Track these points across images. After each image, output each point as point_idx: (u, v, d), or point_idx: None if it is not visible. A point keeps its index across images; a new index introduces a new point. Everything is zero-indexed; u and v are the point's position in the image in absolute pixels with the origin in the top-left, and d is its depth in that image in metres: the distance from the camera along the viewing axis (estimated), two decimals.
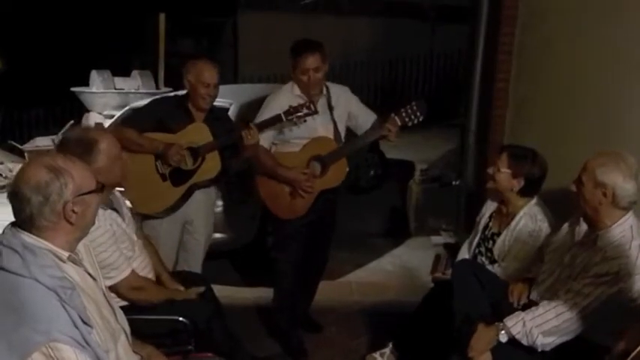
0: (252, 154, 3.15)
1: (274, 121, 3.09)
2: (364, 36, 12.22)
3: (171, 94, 3.59)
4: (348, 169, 3.32)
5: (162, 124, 3.12)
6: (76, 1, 10.52)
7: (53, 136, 8.94)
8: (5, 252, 1.58)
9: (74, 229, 1.66)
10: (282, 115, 3.06)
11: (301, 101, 3.20)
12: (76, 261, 1.69)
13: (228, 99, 4.84)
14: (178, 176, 3.14)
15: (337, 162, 3.24)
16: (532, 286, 2.44)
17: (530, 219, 2.68)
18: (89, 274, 1.73)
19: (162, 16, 9.27)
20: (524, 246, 2.65)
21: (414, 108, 3.17)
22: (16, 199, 1.60)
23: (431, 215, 6.19)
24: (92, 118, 8.65)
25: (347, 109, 3.33)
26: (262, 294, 4.17)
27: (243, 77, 11.88)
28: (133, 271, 2.29)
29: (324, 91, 3.25)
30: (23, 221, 1.61)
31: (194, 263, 3.37)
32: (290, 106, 3.07)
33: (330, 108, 3.26)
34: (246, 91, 5.47)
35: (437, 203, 6.16)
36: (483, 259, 2.83)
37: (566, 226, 2.43)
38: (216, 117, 3.28)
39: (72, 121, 9.13)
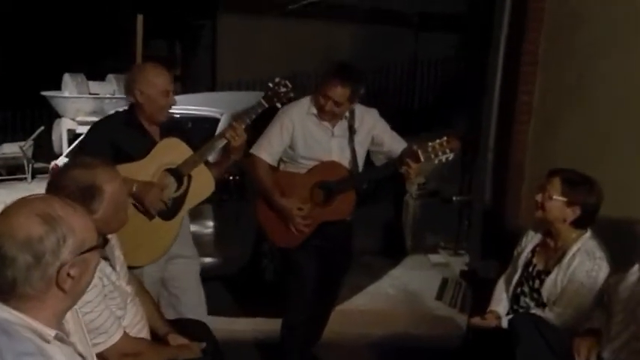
0: (240, 157, 2.77)
1: (255, 111, 2.69)
2: (347, 42, 11.94)
3: (113, 111, 3.03)
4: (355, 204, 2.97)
5: (119, 151, 2.56)
6: (49, 1, 9.97)
7: (21, 143, 8.45)
8: None
9: (65, 298, 1.26)
10: (263, 101, 2.71)
11: (315, 120, 2.91)
12: (63, 339, 1.28)
13: (219, 108, 4.44)
14: (166, 207, 2.62)
15: (345, 193, 2.89)
16: (600, 340, 2.10)
17: (586, 256, 2.34)
18: (79, 355, 1.31)
19: (140, 18, 8.80)
20: (581, 288, 2.30)
21: (444, 144, 2.74)
22: None
23: (428, 232, 5.90)
24: (64, 125, 8.19)
25: (370, 133, 2.99)
26: (262, 326, 3.81)
27: (222, 83, 11.45)
28: (124, 334, 1.87)
29: (347, 113, 2.92)
30: None
31: (197, 304, 2.92)
32: (268, 89, 2.73)
33: (352, 131, 2.93)
34: (239, 100, 5.04)
35: (435, 219, 5.88)
36: (527, 300, 2.49)
37: (636, 269, 2.10)
38: (170, 128, 2.75)
39: (42, 128, 8.66)
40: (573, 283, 2.33)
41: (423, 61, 12.16)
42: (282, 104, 2.84)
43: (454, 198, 5.75)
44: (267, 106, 2.71)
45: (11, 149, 8.32)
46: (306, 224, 2.87)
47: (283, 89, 2.70)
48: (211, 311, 3.99)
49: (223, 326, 3.78)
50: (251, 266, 4.19)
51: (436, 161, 2.78)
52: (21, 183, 8.13)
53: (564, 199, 2.37)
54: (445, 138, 2.76)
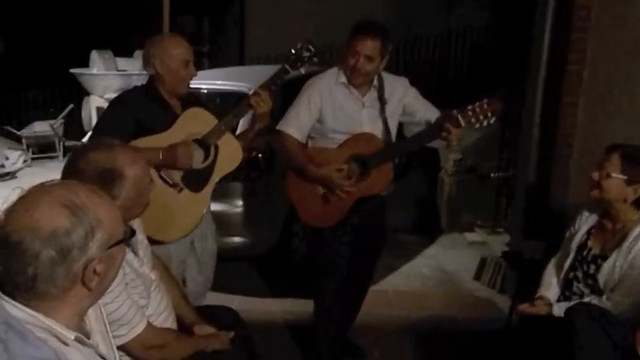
0: (266, 123, 2.71)
1: (279, 77, 2.59)
2: (379, 14, 11.60)
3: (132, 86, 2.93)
4: (393, 176, 2.79)
5: (141, 126, 2.47)
6: None
7: (52, 121, 8.46)
8: None
9: (89, 296, 1.14)
10: (287, 66, 2.59)
11: (345, 90, 2.72)
12: (83, 341, 1.15)
13: (247, 82, 4.28)
14: (194, 179, 2.54)
15: (381, 166, 2.71)
16: None
17: None
18: (101, 357, 1.19)
19: None
20: None
21: (485, 107, 2.58)
22: (12, 252, 1.04)
23: (464, 210, 5.70)
24: (93, 103, 8.15)
25: (402, 102, 2.80)
26: (291, 307, 3.69)
27: (250, 58, 11.27)
28: (148, 325, 1.74)
29: (375, 82, 2.74)
30: (15, 285, 1.06)
31: (205, 285, 2.86)
32: (291, 54, 2.61)
33: (382, 102, 2.74)
34: (268, 73, 4.86)
35: (471, 197, 5.67)
36: (581, 286, 2.29)
37: None
38: (191, 101, 2.67)
39: (71, 105, 8.64)
40: (635, 270, 2.12)
41: (457, 32, 11.77)
42: (307, 72, 2.73)
43: (492, 174, 5.52)
44: (291, 71, 2.59)
45: (42, 127, 8.34)
46: (348, 186, 2.67)
47: (307, 53, 2.58)
48: (241, 291, 3.93)
49: (248, 306, 3.70)
50: (281, 246, 4.07)
51: (477, 125, 2.61)
52: (52, 161, 8.16)
53: (624, 177, 2.16)
54: (485, 100, 2.59)
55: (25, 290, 1.06)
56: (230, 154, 2.60)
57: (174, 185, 2.49)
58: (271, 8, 11.30)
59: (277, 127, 2.76)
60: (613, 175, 2.18)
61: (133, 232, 1.20)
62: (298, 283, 3.80)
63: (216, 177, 2.59)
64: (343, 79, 2.70)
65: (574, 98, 3.17)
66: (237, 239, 3.86)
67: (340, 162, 2.71)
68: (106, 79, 7.99)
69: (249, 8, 12.09)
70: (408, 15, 11.20)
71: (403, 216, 5.57)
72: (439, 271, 4.54)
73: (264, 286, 4.03)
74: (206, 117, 2.57)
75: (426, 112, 2.80)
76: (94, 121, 8.11)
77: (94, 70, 8.11)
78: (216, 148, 2.55)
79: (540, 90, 3.28)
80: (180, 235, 2.52)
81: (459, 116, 2.59)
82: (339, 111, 2.72)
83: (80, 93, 8.81)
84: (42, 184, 1.12)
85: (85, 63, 8.36)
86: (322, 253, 2.87)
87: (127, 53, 8.43)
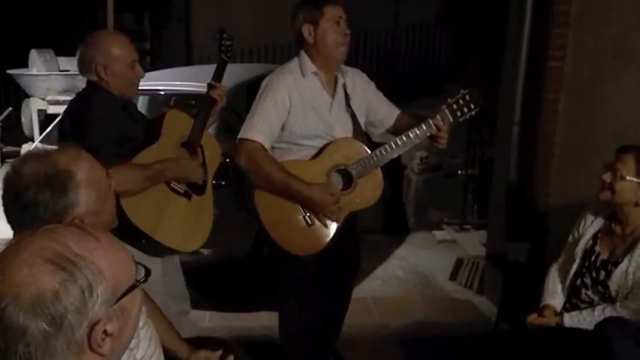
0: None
1: (223, 68, 2.47)
2: None
3: (75, 95, 2.45)
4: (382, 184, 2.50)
5: (128, 140, 2.21)
6: None
7: None
8: None
9: None
10: (224, 57, 2.45)
11: (316, 81, 2.42)
12: None
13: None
14: (195, 183, 2.41)
15: (369, 174, 2.43)
16: None
17: None
18: None
19: None
20: None
21: (467, 98, 2.44)
22: None
23: (431, 208, 5.64)
24: (34, 105, 7.65)
25: (365, 99, 2.54)
26: (268, 321, 3.48)
27: (199, 57, 10.87)
28: None
29: (339, 70, 2.47)
30: None
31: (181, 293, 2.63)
32: (221, 44, 2.44)
33: (347, 96, 2.46)
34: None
35: (438, 195, 5.61)
36: (590, 293, 2.20)
37: None
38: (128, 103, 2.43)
39: (10, 109, 8.08)
40: None
41: (407, 26, 11.77)
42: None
43: (459, 172, 5.49)
44: (228, 61, 2.47)
45: None
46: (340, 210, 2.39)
47: (229, 42, 2.46)
48: (212, 306, 3.71)
49: (227, 323, 3.49)
50: (252, 255, 3.86)
51: (461, 119, 2.47)
52: None
53: (638, 180, 2.09)
54: (465, 91, 2.46)
55: None
56: (213, 151, 2.50)
57: (185, 194, 2.34)
58: (218, 3, 10.96)
59: (240, 137, 2.39)
60: (628, 177, 2.11)
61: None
62: (272, 293, 3.62)
63: (210, 175, 2.49)
64: (313, 68, 2.37)
65: (555, 95, 3.10)
66: (206, 251, 3.63)
67: (322, 175, 2.39)
68: (47, 79, 7.50)
69: (195, 3, 11.69)
70: (355, 8, 11.09)
71: (371, 216, 5.46)
72: (413, 272, 4.45)
73: (237, 300, 3.81)
74: (184, 118, 2.41)
75: (389, 108, 2.59)
76: (36, 124, 7.63)
77: (34, 71, 7.61)
78: (202, 147, 2.43)
79: (520, 87, 3.20)
80: (205, 239, 2.41)
81: (447, 111, 2.43)
82: (309, 111, 2.39)
83: (19, 96, 8.28)
84: (21, 237, 0.90)
85: (23, 63, 7.84)
86: (289, 283, 2.56)
87: (69, 52, 7.95)
